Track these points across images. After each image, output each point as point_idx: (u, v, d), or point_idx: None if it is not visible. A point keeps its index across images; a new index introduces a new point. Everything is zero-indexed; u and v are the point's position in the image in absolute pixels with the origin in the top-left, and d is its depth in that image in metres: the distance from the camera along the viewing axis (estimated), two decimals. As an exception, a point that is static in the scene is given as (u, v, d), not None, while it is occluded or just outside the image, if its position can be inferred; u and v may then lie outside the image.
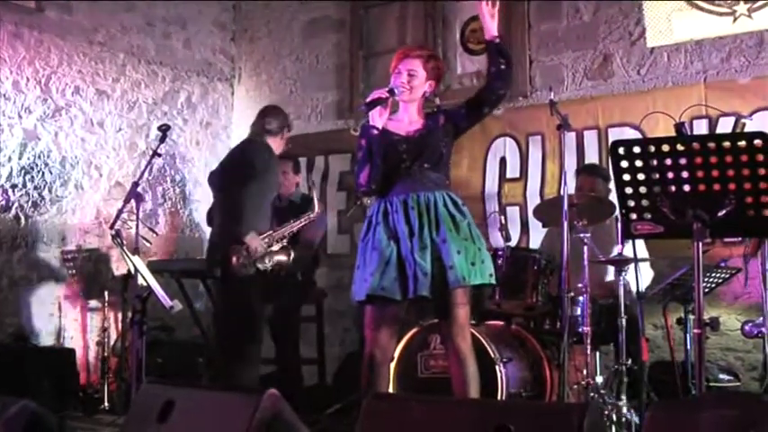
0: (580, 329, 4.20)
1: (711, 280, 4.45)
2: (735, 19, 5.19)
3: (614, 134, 5.39)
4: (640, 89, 5.53)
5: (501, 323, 4.65)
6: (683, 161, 2.71)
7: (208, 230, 5.37)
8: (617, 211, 3.41)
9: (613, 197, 3.93)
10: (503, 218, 4.99)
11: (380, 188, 3.56)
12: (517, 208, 5.81)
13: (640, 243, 4.39)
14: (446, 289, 3.40)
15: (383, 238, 3.46)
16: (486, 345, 4.17)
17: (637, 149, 2.77)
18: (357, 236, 4.13)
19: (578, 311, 4.28)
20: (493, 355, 4.16)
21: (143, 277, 4.26)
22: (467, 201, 3.66)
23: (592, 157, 5.51)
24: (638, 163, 2.76)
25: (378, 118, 3.52)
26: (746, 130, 4.49)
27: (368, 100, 3.51)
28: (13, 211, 5.75)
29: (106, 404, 5.36)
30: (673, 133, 3.03)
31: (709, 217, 2.71)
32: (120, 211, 4.47)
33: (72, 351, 5.64)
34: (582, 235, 4.22)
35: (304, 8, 7.01)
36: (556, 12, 5.89)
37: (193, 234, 6.86)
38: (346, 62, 6.76)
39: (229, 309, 4.75)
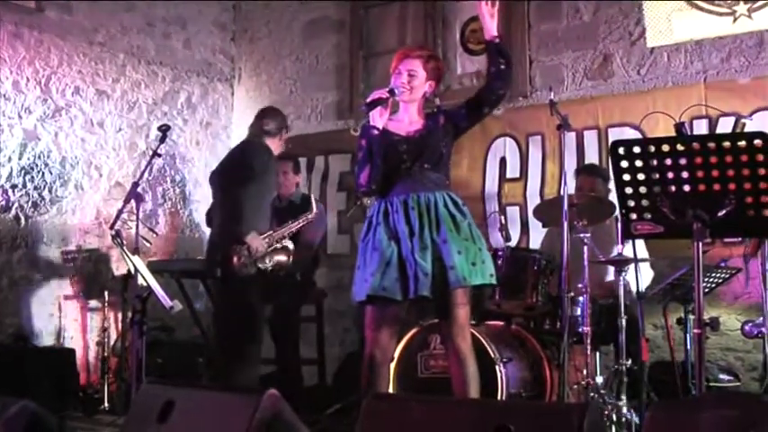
0: (580, 329, 4.21)
1: (711, 280, 4.45)
2: (735, 19, 5.19)
3: (614, 134, 5.39)
4: (640, 89, 5.53)
5: (501, 323, 4.65)
6: (683, 161, 2.71)
7: (207, 231, 5.37)
8: (617, 211, 3.41)
9: (613, 197, 3.93)
10: (503, 218, 4.99)
11: (381, 188, 3.56)
12: (517, 208, 5.81)
13: (640, 243, 4.39)
14: (446, 289, 3.40)
15: (384, 239, 3.46)
16: (486, 345, 4.17)
17: (637, 149, 2.77)
18: (357, 236, 4.13)
19: (578, 311, 4.28)
20: (493, 356, 4.16)
21: (143, 277, 4.26)
22: (467, 201, 3.66)
23: (592, 157, 5.51)
24: (638, 163, 2.76)
25: (378, 118, 3.52)
26: (746, 130, 4.49)
27: (368, 100, 3.52)
28: (13, 212, 5.75)
29: (106, 404, 5.36)
30: (673, 133, 3.03)
31: (709, 217, 2.71)
32: (120, 212, 4.48)
33: (72, 351, 5.65)
34: (582, 235, 4.22)
35: (304, 8, 7.01)
36: (556, 12, 5.89)
37: (193, 234, 6.86)
38: (346, 62, 6.76)
39: (229, 309, 4.75)
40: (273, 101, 7.01)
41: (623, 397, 4.07)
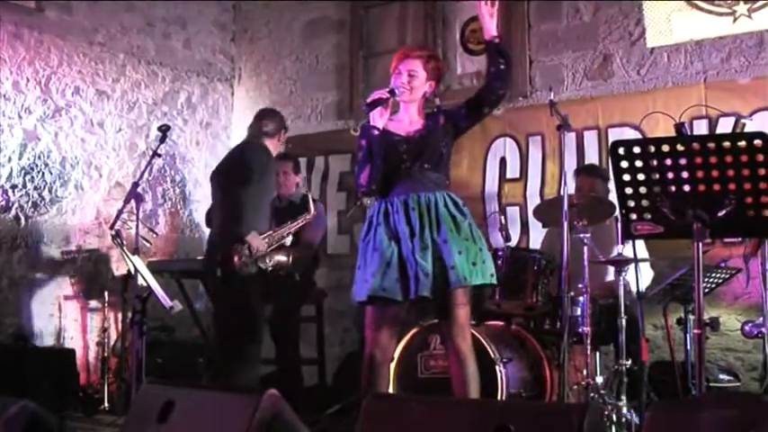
0: (580, 329, 4.21)
1: (711, 280, 4.45)
2: (735, 19, 5.19)
3: (614, 134, 5.38)
4: (640, 89, 5.53)
5: (501, 323, 4.65)
6: (682, 161, 2.71)
7: (207, 231, 5.37)
8: (617, 212, 3.41)
9: (613, 197, 3.93)
10: (503, 218, 5.00)
11: (381, 189, 3.56)
12: (517, 208, 5.81)
13: (640, 243, 4.39)
14: (447, 289, 3.40)
15: (384, 239, 3.46)
16: (486, 345, 4.16)
17: (637, 150, 2.77)
18: (357, 236, 4.13)
19: (578, 311, 4.28)
20: (493, 356, 4.16)
21: (143, 277, 4.26)
22: (467, 201, 3.66)
23: (592, 157, 5.51)
24: (638, 163, 2.77)
25: (378, 118, 3.52)
26: (746, 130, 4.49)
27: (369, 100, 3.52)
28: (13, 212, 5.75)
29: (106, 404, 5.36)
30: (673, 133, 3.03)
31: (709, 217, 2.71)
32: (120, 212, 4.48)
33: (72, 351, 5.65)
34: (582, 235, 4.22)
35: (304, 8, 7.01)
36: (556, 12, 5.89)
37: (193, 234, 6.86)
38: (346, 62, 6.76)
39: (229, 309, 4.75)
40: (273, 101, 7.01)
41: (623, 397, 4.06)
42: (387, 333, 3.53)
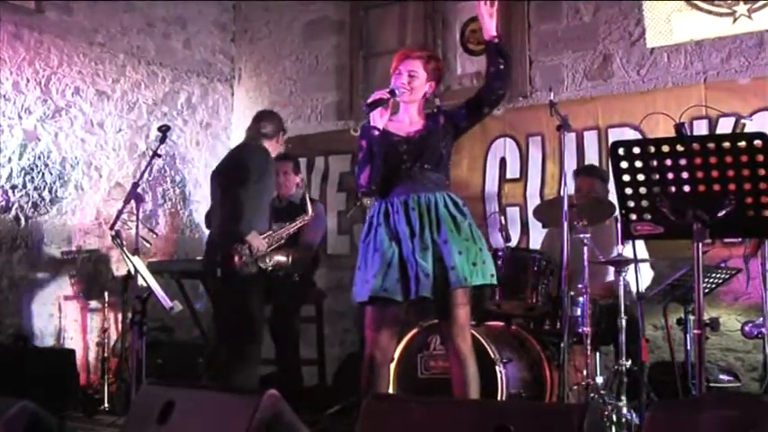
0: (580, 330, 4.21)
1: (711, 280, 4.45)
2: (735, 19, 5.19)
3: (614, 135, 5.38)
4: (640, 90, 5.53)
5: (501, 324, 4.64)
6: (682, 162, 2.71)
7: (207, 232, 5.37)
8: (617, 212, 3.41)
9: (613, 198, 3.93)
10: (503, 218, 5.00)
11: (381, 189, 3.56)
12: (517, 208, 5.81)
13: (640, 243, 4.39)
14: (447, 289, 3.40)
15: (384, 240, 3.46)
16: (485, 345, 4.16)
17: (637, 150, 2.77)
18: (357, 236, 4.13)
19: (578, 312, 4.28)
20: (493, 356, 4.16)
21: (143, 278, 4.27)
22: (467, 201, 3.66)
23: (592, 157, 5.51)
24: (638, 163, 2.77)
25: (379, 119, 3.52)
26: (746, 130, 4.49)
27: (369, 101, 3.52)
28: (13, 212, 5.75)
29: (106, 405, 5.35)
30: (672, 134, 3.02)
31: (708, 217, 2.71)
32: (120, 212, 4.48)
33: (72, 352, 5.65)
34: (582, 235, 4.22)
35: (304, 9, 7.01)
36: (556, 12, 5.89)
37: (193, 235, 6.86)
38: (346, 63, 6.76)
39: (229, 309, 4.75)
40: (273, 101, 7.02)
41: (623, 397, 4.06)
42: (387, 333, 3.53)
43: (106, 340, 5.71)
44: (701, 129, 5.09)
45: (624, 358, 4.09)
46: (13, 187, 5.75)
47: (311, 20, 6.99)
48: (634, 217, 2.84)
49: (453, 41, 6.31)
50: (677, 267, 4.42)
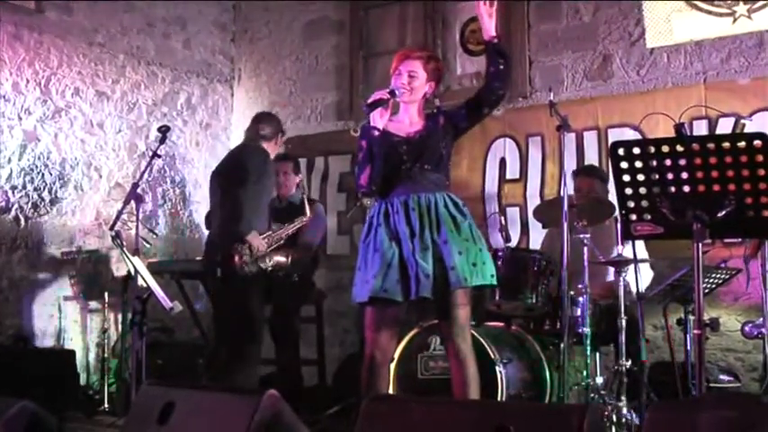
0: (580, 330, 4.21)
1: (711, 281, 4.45)
2: (734, 20, 5.19)
3: (614, 135, 5.38)
4: (640, 90, 5.53)
5: (501, 324, 4.64)
6: (682, 162, 2.71)
7: (207, 233, 5.37)
8: (617, 212, 3.41)
9: (613, 198, 3.93)
10: (503, 219, 4.99)
11: (381, 189, 3.56)
12: (517, 209, 5.81)
13: (640, 244, 4.39)
14: (447, 290, 3.40)
15: (384, 240, 3.46)
16: (485, 346, 4.16)
17: (636, 150, 2.77)
18: (357, 237, 4.14)
19: (578, 312, 4.28)
20: (493, 356, 4.16)
21: (143, 278, 4.27)
22: (466, 201, 3.66)
23: (592, 157, 5.51)
24: (638, 164, 2.77)
25: (379, 119, 3.52)
26: (746, 130, 4.49)
27: (369, 101, 3.52)
28: (12, 213, 5.75)
29: (106, 405, 5.35)
30: (672, 134, 3.03)
31: (708, 218, 2.71)
32: (119, 213, 4.48)
33: (72, 352, 5.64)
34: (582, 236, 4.22)
35: (304, 9, 7.01)
36: (555, 12, 5.89)
37: (193, 235, 6.85)
38: (346, 63, 6.76)
39: (229, 309, 4.76)
40: (273, 101, 7.02)
41: (623, 398, 4.07)
42: (387, 334, 3.53)
43: (106, 341, 5.70)
44: (700, 129, 5.09)
45: (624, 358, 4.10)
46: (13, 188, 5.75)
47: (311, 20, 6.99)
48: (634, 217, 2.84)
49: (453, 42, 6.31)
50: (677, 267, 4.41)
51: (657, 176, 2.75)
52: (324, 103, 6.87)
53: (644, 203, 2.81)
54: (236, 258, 4.53)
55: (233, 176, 4.71)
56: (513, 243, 5.35)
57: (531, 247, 5.46)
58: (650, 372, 4.42)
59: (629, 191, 2.81)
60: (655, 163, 2.74)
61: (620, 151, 2.79)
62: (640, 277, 4.21)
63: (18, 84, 5.82)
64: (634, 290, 4.25)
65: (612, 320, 4.20)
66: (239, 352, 4.63)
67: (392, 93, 3.55)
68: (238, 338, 4.65)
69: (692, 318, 4.24)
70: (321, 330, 5.78)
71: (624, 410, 4.03)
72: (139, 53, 6.61)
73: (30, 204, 5.83)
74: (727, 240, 4.57)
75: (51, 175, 5.96)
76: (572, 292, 4.19)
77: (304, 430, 2.39)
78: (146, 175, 5.01)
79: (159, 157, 4.85)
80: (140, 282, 4.31)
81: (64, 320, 5.93)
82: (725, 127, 5.02)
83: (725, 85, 5.22)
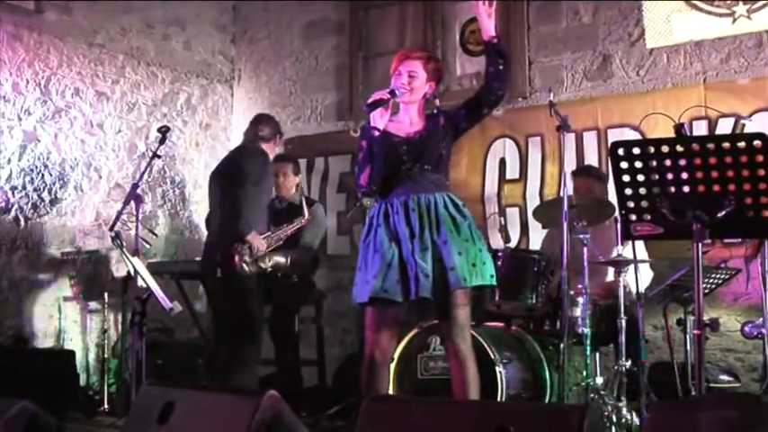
0: (580, 330, 4.21)
1: (711, 281, 4.45)
2: (734, 20, 5.19)
3: (614, 135, 5.38)
4: (640, 90, 5.53)
5: (501, 324, 4.65)
6: (682, 162, 2.71)
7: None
8: (617, 213, 3.41)
9: (613, 198, 3.93)
10: (502, 219, 5.00)
11: (381, 190, 3.56)
12: (517, 209, 5.81)
13: (640, 244, 4.39)
14: (447, 290, 3.40)
15: (384, 240, 3.46)
16: (485, 346, 4.16)
17: (636, 150, 2.77)
18: (357, 237, 4.14)
19: (578, 312, 4.28)
20: (493, 357, 4.16)
21: (143, 279, 4.27)
22: (466, 202, 3.66)
23: (591, 158, 5.51)
24: (638, 164, 2.77)
25: (379, 119, 3.52)
26: (746, 131, 4.50)
27: (369, 101, 3.52)
28: (12, 213, 5.75)
29: (106, 406, 5.35)
30: (672, 134, 3.03)
31: (708, 218, 2.71)
32: (119, 213, 4.48)
33: (72, 353, 5.64)
34: (581, 236, 4.22)
35: (304, 10, 7.01)
36: (555, 13, 5.89)
37: (193, 236, 6.85)
38: (346, 63, 6.76)
39: (229, 309, 4.76)
40: (273, 102, 7.02)
41: (623, 398, 4.07)
42: (387, 334, 3.53)
43: (106, 341, 5.70)
44: (700, 129, 5.09)
45: (624, 359, 4.10)
46: (13, 188, 5.75)
47: (311, 20, 6.99)
48: (634, 217, 2.84)
49: (453, 42, 6.31)
50: (677, 268, 4.42)
51: (657, 177, 2.75)
52: (324, 104, 6.87)
53: (644, 204, 2.80)
54: (237, 258, 4.54)
55: (232, 177, 4.72)
56: (513, 243, 5.35)
57: (531, 247, 5.46)
58: (650, 372, 4.42)
59: (628, 191, 2.81)
60: (654, 163, 2.74)
61: (620, 151, 2.79)
62: (640, 277, 4.21)
63: (18, 84, 5.82)
64: (634, 290, 4.25)
65: (612, 321, 4.20)
66: (239, 352, 4.64)
67: (392, 93, 3.55)
68: (238, 339, 4.65)
69: (691, 318, 4.23)
70: (321, 331, 5.77)
71: (624, 410, 4.03)
72: (139, 54, 6.60)
73: (29, 205, 5.83)
74: (726, 240, 4.57)
75: (51, 175, 5.96)
76: (572, 293, 4.19)
77: (304, 431, 2.39)
78: (145, 176, 5.01)
79: (159, 157, 4.85)
80: (140, 282, 4.31)
81: (64, 321, 5.93)
82: (725, 127, 5.02)
83: (725, 86, 5.22)
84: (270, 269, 4.72)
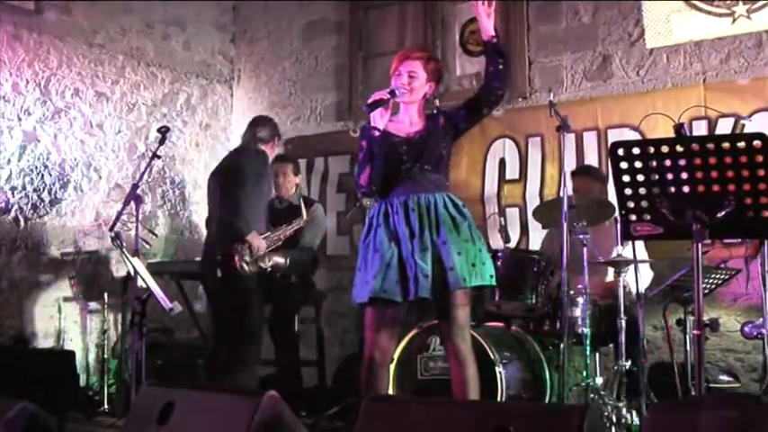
0: (580, 331, 4.21)
1: (711, 281, 4.45)
2: (734, 20, 5.19)
3: (614, 135, 5.38)
4: (640, 90, 5.53)
5: (501, 324, 4.65)
6: (682, 162, 2.71)
7: (208, 234, 5.38)
8: (616, 213, 3.41)
9: (612, 198, 3.93)
10: (502, 219, 5.00)
11: (381, 190, 3.56)
12: (516, 209, 5.81)
13: (639, 244, 4.39)
14: (446, 290, 3.40)
15: (384, 240, 3.46)
16: (485, 346, 4.16)
17: (636, 150, 2.77)
18: (357, 237, 4.14)
19: (578, 312, 4.28)
20: (492, 357, 4.16)
21: (143, 279, 4.27)
22: (466, 202, 3.66)
23: (591, 158, 5.51)
24: (638, 164, 2.77)
25: (379, 119, 3.52)
26: (746, 131, 4.50)
27: (369, 101, 3.52)
28: (12, 214, 5.75)
29: (106, 406, 5.35)
30: (672, 134, 3.03)
31: (708, 218, 2.71)
32: (119, 213, 4.48)
33: (72, 353, 5.64)
34: (581, 236, 4.22)
35: (303, 10, 7.01)
36: (555, 13, 5.89)
37: (193, 236, 6.85)
38: (346, 64, 6.76)
39: (229, 309, 4.76)
40: (273, 102, 7.02)
41: (623, 398, 4.07)
42: (386, 334, 3.53)
43: (106, 341, 5.70)
44: (700, 129, 5.09)
45: (624, 359, 4.10)
46: (13, 189, 5.75)
47: (311, 21, 6.99)
48: (634, 217, 2.84)
49: (452, 42, 6.31)
50: (677, 268, 4.42)
51: (657, 177, 2.75)
52: (323, 104, 6.87)
53: (644, 204, 2.80)
54: (236, 258, 4.54)
55: (232, 177, 4.73)
56: (513, 244, 5.36)
57: (531, 247, 5.46)
58: (650, 372, 4.42)
59: (628, 191, 2.81)
60: (654, 163, 2.74)
61: (620, 151, 2.79)
62: (640, 277, 4.21)
63: (18, 84, 5.82)
64: (634, 290, 4.25)
65: (612, 321, 4.21)
66: (239, 352, 4.64)
67: (392, 93, 3.55)
68: (238, 339, 4.65)
69: (691, 318, 4.23)
70: (321, 331, 5.77)
71: (624, 411, 4.03)
72: (139, 54, 6.60)
73: (29, 205, 5.83)
74: (726, 241, 4.57)
75: (51, 176, 5.96)
76: (572, 293, 4.19)
77: (303, 431, 2.39)
78: (145, 176, 5.01)
79: (159, 157, 4.85)
80: (140, 282, 4.31)
81: (64, 321, 5.93)
82: (724, 127, 5.02)
83: (724, 86, 5.22)
84: (269, 269, 4.73)
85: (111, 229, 4.42)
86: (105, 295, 5.80)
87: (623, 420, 4.01)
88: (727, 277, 4.51)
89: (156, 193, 6.66)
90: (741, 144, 2.65)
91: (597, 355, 4.50)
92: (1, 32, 5.73)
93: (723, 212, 2.68)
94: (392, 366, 4.10)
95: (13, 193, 5.75)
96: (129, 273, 4.72)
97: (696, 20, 5.29)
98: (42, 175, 5.91)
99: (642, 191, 2.79)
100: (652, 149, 2.75)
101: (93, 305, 6.03)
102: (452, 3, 6.31)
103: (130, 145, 6.48)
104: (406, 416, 2.32)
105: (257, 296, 4.75)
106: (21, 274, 5.78)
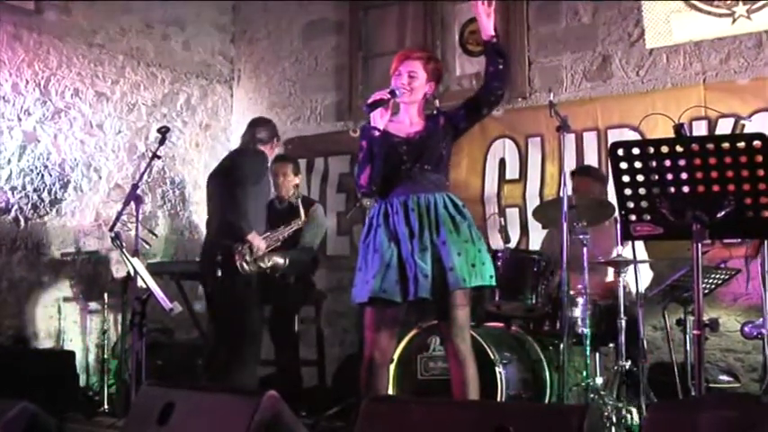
0: (580, 331, 4.21)
1: (711, 281, 4.45)
2: (734, 20, 5.19)
3: (613, 135, 5.38)
4: (639, 90, 5.53)
5: (501, 325, 4.65)
6: (682, 162, 2.71)
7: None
8: (616, 213, 3.41)
9: (612, 198, 3.93)
10: (502, 219, 5.00)
11: (381, 190, 3.56)
12: (516, 209, 5.80)
13: (639, 244, 4.39)
14: (446, 290, 3.40)
15: (384, 240, 3.46)
16: (485, 346, 4.17)
17: (636, 151, 2.77)
18: (357, 237, 4.14)
19: (578, 313, 4.28)
20: (492, 357, 4.16)
21: (143, 279, 4.27)
22: (466, 202, 3.66)
23: (591, 158, 5.51)
24: (638, 164, 2.77)
25: (379, 119, 3.52)
26: (746, 131, 4.50)
27: (369, 101, 3.52)
28: (12, 214, 5.75)
29: (106, 406, 5.35)
30: (672, 134, 3.03)
31: (708, 218, 2.71)
32: (119, 214, 4.48)
33: (72, 353, 5.64)
34: (581, 236, 4.22)
35: (303, 10, 7.01)
36: (555, 13, 5.89)
37: (193, 236, 6.85)
38: (345, 64, 6.76)
39: (229, 309, 4.76)
40: (273, 102, 7.03)
41: (623, 398, 4.07)
42: (386, 334, 3.53)
43: (106, 342, 5.70)
44: (700, 129, 5.09)
45: (624, 359, 4.10)
46: (13, 189, 5.75)
47: (310, 21, 6.99)
48: (633, 218, 2.84)
49: (452, 42, 6.31)
50: (677, 268, 4.42)
51: (657, 177, 2.75)
52: (323, 104, 6.87)
53: (643, 204, 2.81)
54: (237, 258, 4.54)
55: (232, 177, 4.74)
56: (513, 244, 5.35)
57: (531, 247, 5.46)
58: (650, 372, 4.42)
59: (628, 191, 2.82)
60: (654, 163, 2.75)
61: (620, 152, 2.79)
62: (640, 278, 4.21)
63: (17, 84, 5.82)
64: (634, 290, 4.25)
65: (612, 321, 4.21)
66: (239, 352, 4.64)
67: (392, 93, 3.55)
68: (238, 339, 4.65)
69: (691, 318, 4.24)
70: (321, 331, 5.78)
71: (624, 411, 4.03)
72: (139, 54, 6.60)
73: (29, 205, 5.83)
74: (726, 241, 4.57)
75: (51, 176, 5.96)
76: (572, 293, 4.19)
77: (303, 431, 2.39)
78: (145, 176, 5.02)
79: (159, 158, 4.85)
80: (140, 283, 4.31)
81: (63, 321, 5.93)
82: (724, 127, 5.02)
83: (724, 86, 5.22)
84: (269, 269, 4.73)
85: (111, 229, 4.42)
86: (105, 295, 5.79)
87: (623, 420, 4.02)
88: (726, 277, 4.51)
89: (156, 193, 6.66)
90: (741, 144, 2.65)
91: (597, 355, 4.50)
92: (1, 32, 5.73)
93: (723, 212, 2.69)
94: (392, 366, 4.10)
95: (13, 193, 5.75)
96: (129, 273, 4.72)
97: (696, 20, 5.29)
98: (42, 175, 5.91)
99: (642, 191, 2.79)
100: (652, 150, 2.75)
101: (93, 305, 6.03)
102: (452, 3, 6.31)
103: (130, 145, 6.48)
104: (405, 416, 2.32)
105: (257, 296, 4.76)
106: (21, 274, 5.78)
